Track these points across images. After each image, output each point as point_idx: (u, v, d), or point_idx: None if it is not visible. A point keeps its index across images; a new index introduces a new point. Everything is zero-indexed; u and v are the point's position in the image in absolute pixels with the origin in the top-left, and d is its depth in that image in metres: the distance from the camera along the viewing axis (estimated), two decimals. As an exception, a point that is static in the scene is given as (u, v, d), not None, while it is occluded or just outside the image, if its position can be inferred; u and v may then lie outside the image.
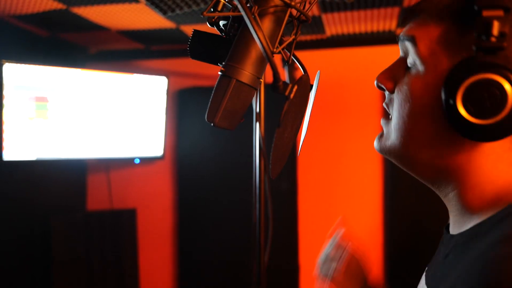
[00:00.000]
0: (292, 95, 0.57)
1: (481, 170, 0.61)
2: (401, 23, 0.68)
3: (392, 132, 0.66)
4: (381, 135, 0.71)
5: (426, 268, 0.75)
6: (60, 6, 1.81)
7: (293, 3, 0.59)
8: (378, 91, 2.76)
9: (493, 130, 0.55)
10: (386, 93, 0.70)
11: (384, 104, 0.71)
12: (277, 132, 0.59)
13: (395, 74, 0.67)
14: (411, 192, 2.31)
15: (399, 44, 0.69)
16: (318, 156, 2.49)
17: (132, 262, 2.64)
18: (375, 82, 0.70)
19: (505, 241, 0.51)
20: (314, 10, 1.93)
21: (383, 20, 2.10)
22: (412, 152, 0.64)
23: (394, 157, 0.68)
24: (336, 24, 2.16)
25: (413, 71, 0.63)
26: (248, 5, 0.57)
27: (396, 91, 0.67)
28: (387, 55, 2.47)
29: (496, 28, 0.52)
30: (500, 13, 0.53)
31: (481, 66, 0.54)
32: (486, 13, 0.53)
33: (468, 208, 0.63)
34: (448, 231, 0.71)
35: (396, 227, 2.37)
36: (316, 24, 2.15)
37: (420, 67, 0.62)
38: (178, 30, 2.19)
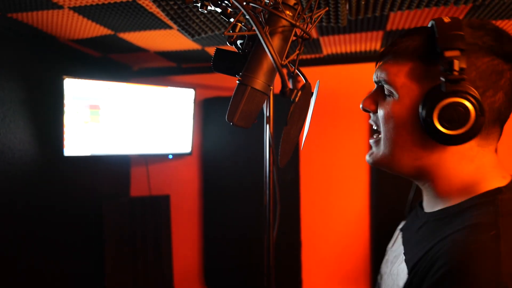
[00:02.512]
0: (297, 99, 0.57)
1: (449, 165, 0.65)
2: (378, 61, 0.74)
3: (382, 144, 0.70)
4: (371, 153, 0.74)
5: (401, 231, 0.79)
6: (109, 32, 1.82)
7: (297, 24, 0.58)
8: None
9: (459, 137, 0.59)
10: (371, 114, 0.75)
11: (371, 122, 0.76)
12: (285, 129, 0.59)
13: (376, 99, 0.73)
14: (392, 182, 2.29)
15: (375, 76, 0.74)
16: (317, 153, 2.47)
17: (167, 238, 2.66)
18: (360, 106, 0.76)
19: (470, 229, 0.54)
20: (313, 34, 1.92)
21: (370, 41, 2.08)
22: (397, 157, 0.68)
23: (384, 164, 0.71)
24: (331, 45, 2.14)
25: (390, 98, 0.68)
26: (260, 25, 0.56)
27: (379, 111, 0.71)
28: (373, 70, 2.45)
29: (456, 65, 0.58)
30: (457, 53, 0.58)
31: (450, 93, 0.58)
32: (447, 54, 0.58)
33: (439, 194, 0.67)
34: (422, 208, 0.74)
35: (380, 211, 2.35)
36: (315, 45, 2.14)
37: (395, 95, 0.67)
38: (203, 50, 2.19)
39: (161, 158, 2.72)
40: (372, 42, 2.10)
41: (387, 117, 0.68)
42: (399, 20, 1.69)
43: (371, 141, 0.75)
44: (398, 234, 0.79)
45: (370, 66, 2.38)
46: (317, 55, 2.40)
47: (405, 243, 0.73)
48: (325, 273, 2.48)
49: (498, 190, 0.61)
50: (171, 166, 2.73)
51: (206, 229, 2.64)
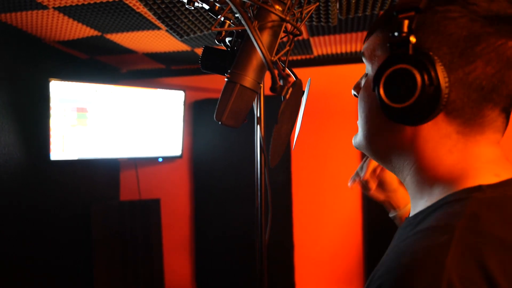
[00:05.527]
0: (287, 96, 0.55)
1: (424, 155, 0.54)
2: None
3: (359, 128, 0.63)
4: (356, 135, 0.68)
5: None
6: (96, 33, 1.79)
7: (287, 18, 0.56)
8: (356, 101, 2.73)
9: (409, 113, 0.50)
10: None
11: None
12: (275, 127, 0.57)
13: (360, 83, 0.66)
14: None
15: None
16: (309, 154, 2.46)
17: (157, 242, 2.62)
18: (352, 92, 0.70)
19: (422, 233, 0.45)
20: (304, 34, 1.91)
21: (360, 42, 2.08)
22: (371, 142, 0.60)
23: (362, 149, 0.64)
24: (322, 46, 2.14)
25: (366, 76, 0.61)
26: (249, 20, 0.54)
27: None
28: (363, 71, 2.45)
29: (405, 25, 0.49)
30: (410, 13, 0.49)
31: (395, 58, 0.50)
32: (400, 16, 0.50)
33: (417, 193, 0.57)
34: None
35: (372, 213, 2.34)
36: (305, 46, 2.13)
37: (369, 71, 0.60)
38: (192, 52, 2.17)
39: (151, 162, 2.68)
40: (362, 42, 2.09)
41: (360, 97, 0.61)
42: (389, 20, 1.69)
43: (358, 122, 0.68)
44: None
45: (361, 67, 2.38)
46: (308, 56, 2.39)
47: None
48: (318, 275, 2.46)
49: (477, 188, 0.49)
50: (161, 169, 2.69)
51: (197, 232, 2.61)
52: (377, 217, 2.33)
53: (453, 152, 0.52)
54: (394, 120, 0.52)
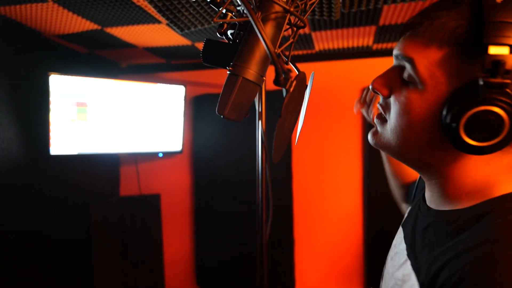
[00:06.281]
0: (291, 89, 0.54)
1: (464, 168, 0.57)
2: (404, 31, 0.59)
3: (388, 133, 0.61)
4: (375, 132, 0.65)
5: (402, 226, 0.72)
6: (96, 27, 1.77)
7: (291, 10, 0.55)
8: (358, 96, 2.72)
9: (486, 149, 0.51)
10: (381, 96, 0.63)
11: (378, 105, 0.64)
12: (279, 121, 0.56)
13: (391, 81, 0.60)
14: (385, 180, 2.27)
15: (394, 55, 0.61)
16: (310, 151, 2.45)
17: (157, 237, 2.62)
18: (370, 87, 0.63)
19: (495, 244, 0.47)
20: (305, 29, 1.89)
21: (362, 37, 2.06)
22: (406, 150, 0.60)
23: (388, 151, 0.63)
24: (324, 40, 2.12)
25: (411, 86, 0.57)
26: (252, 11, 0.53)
27: (392, 99, 0.60)
28: (365, 66, 2.44)
29: (502, 67, 0.47)
30: (505, 50, 0.47)
31: (486, 99, 0.49)
32: (492, 51, 0.47)
33: (446, 193, 0.59)
34: (425, 202, 0.66)
35: (373, 209, 2.34)
36: (307, 41, 2.11)
37: (419, 85, 0.55)
38: (193, 46, 2.15)
39: (151, 157, 2.67)
40: (364, 37, 2.08)
41: (402, 111, 0.58)
42: (392, 14, 1.67)
43: (376, 120, 0.64)
44: (399, 229, 0.72)
45: (363, 62, 2.37)
46: (309, 51, 2.37)
47: (407, 240, 0.65)
48: (319, 272, 2.46)
49: None
50: (162, 164, 2.68)
51: (197, 228, 2.61)
52: (377, 214, 2.32)
53: (490, 164, 0.56)
54: (466, 152, 0.52)
